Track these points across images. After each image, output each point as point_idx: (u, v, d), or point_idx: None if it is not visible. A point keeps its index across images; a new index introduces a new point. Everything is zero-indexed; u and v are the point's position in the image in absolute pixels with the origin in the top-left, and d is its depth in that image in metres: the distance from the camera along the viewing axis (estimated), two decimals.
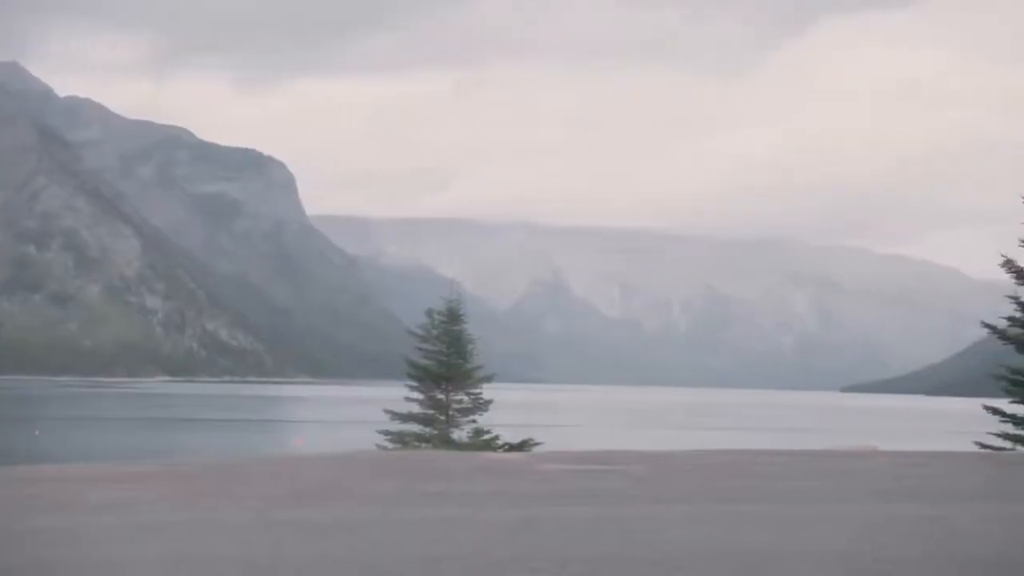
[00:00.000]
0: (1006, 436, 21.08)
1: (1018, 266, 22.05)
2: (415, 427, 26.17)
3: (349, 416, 78.47)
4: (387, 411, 26.78)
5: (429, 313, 28.03)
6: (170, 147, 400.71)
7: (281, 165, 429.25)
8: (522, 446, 24.38)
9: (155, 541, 7.18)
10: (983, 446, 20.65)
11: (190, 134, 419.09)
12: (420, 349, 27.69)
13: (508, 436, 25.47)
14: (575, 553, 6.45)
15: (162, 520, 8.19)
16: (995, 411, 21.88)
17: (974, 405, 23.09)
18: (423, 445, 24.32)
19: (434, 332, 27.48)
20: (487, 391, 27.95)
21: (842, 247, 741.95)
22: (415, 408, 26.84)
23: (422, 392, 27.14)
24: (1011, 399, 21.48)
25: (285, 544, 6.96)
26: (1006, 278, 22.28)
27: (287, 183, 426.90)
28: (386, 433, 25.64)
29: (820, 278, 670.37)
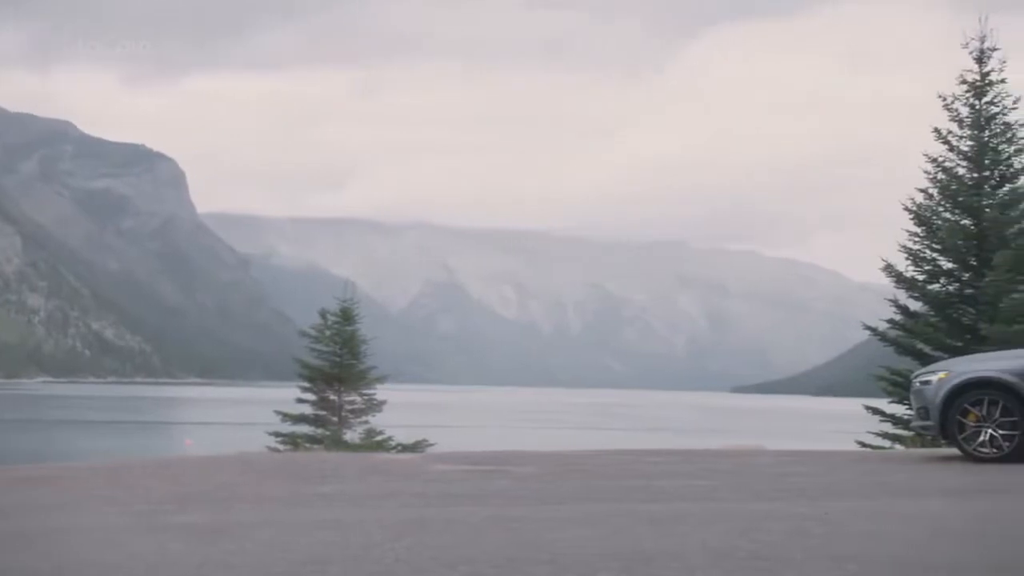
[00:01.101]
0: (885, 435, 21.80)
1: (897, 270, 22.83)
2: (306, 428, 25.97)
3: (239, 417, 77.25)
4: (278, 412, 26.50)
5: (322, 313, 27.87)
6: (54, 141, 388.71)
7: (171, 161, 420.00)
8: (415, 447, 24.36)
9: (32, 549, 6.97)
10: (863, 445, 21.32)
11: (75, 128, 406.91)
12: (312, 350, 27.50)
13: (401, 437, 25.41)
14: (463, 554, 6.46)
15: (41, 526, 7.95)
16: (875, 411, 22.60)
17: (856, 405, 23.79)
18: (314, 446, 24.10)
19: (327, 333, 27.32)
20: (381, 392, 27.89)
21: (731, 251, 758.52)
22: (307, 409, 26.62)
23: (314, 393, 26.95)
24: (890, 399, 22.21)
25: (169, 548, 6.83)
26: (887, 281, 23.06)
27: (177, 180, 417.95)
28: (277, 434, 25.39)
29: (710, 281, 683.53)
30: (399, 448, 24.23)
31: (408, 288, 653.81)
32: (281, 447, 24.31)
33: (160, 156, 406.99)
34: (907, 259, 22.70)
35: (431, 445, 24.83)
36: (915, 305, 22.85)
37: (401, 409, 37.67)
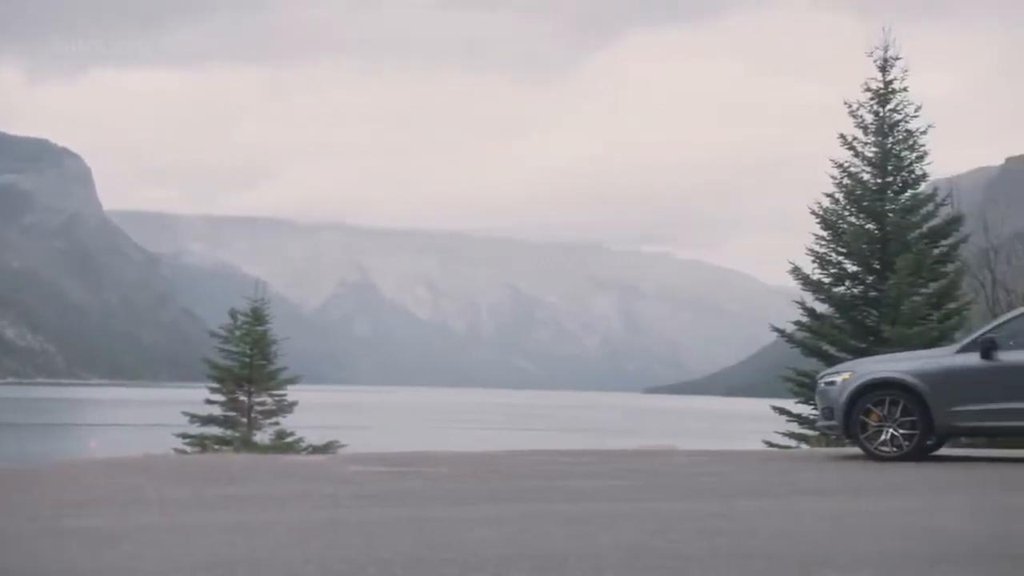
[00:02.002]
0: (792, 435, 22.24)
1: (805, 273, 23.31)
2: (215, 430, 25.58)
3: (146, 419, 75.71)
4: (185, 413, 26.05)
5: (232, 313, 27.48)
6: None
7: (77, 157, 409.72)
8: (326, 448, 24.14)
9: None
10: (771, 444, 21.72)
11: None
12: (222, 350, 27.11)
13: (312, 438, 25.17)
14: (374, 555, 6.40)
15: None
16: (782, 411, 23.05)
17: (764, 405, 24.21)
18: (223, 448, 23.72)
19: (237, 333, 26.95)
20: (292, 392, 27.60)
21: (646, 252, 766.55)
22: (215, 410, 26.23)
23: (223, 394, 26.56)
24: (797, 399, 22.66)
25: (68, 553, 6.64)
26: (795, 284, 23.53)
27: (83, 176, 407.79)
28: (184, 436, 24.96)
29: (624, 282, 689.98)
30: (310, 449, 23.98)
31: (322, 288, 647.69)
32: (188, 449, 23.90)
33: (66, 152, 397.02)
34: (814, 262, 23.21)
35: (343, 446, 24.61)
36: (821, 307, 23.35)
37: (313, 410, 37.30)
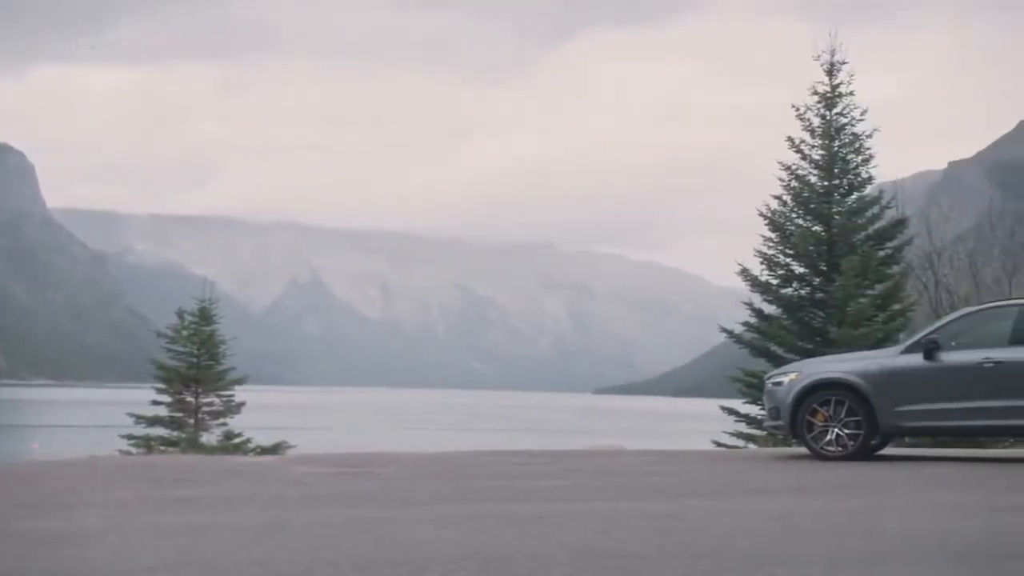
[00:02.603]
0: (740, 435, 22.44)
1: (753, 275, 23.52)
2: (161, 431, 25.30)
3: (91, 420, 74.62)
4: (131, 415, 25.72)
5: (179, 313, 27.19)
6: None
7: (19, 154, 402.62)
8: (275, 449, 23.96)
9: None
10: (719, 444, 21.89)
11: None
12: (169, 350, 26.81)
13: (261, 439, 24.96)
14: (322, 556, 6.37)
15: None
16: (731, 411, 23.24)
17: (713, 406, 24.39)
18: (169, 449, 23.46)
19: (184, 333, 26.66)
20: (240, 393, 27.37)
21: (597, 253, 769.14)
22: (162, 411, 25.94)
23: (170, 395, 26.27)
24: (745, 400, 22.86)
25: (9, 556, 6.54)
26: (743, 286, 23.74)
27: (26, 173, 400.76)
28: (129, 437, 24.65)
29: (576, 283, 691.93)
30: (258, 450, 23.79)
31: (271, 288, 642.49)
32: (134, 450, 23.61)
33: (7, 148, 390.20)
34: (762, 264, 23.44)
35: (292, 447, 24.44)
36: (769, 308, 23.57)
37: (262, 411, 37.03)
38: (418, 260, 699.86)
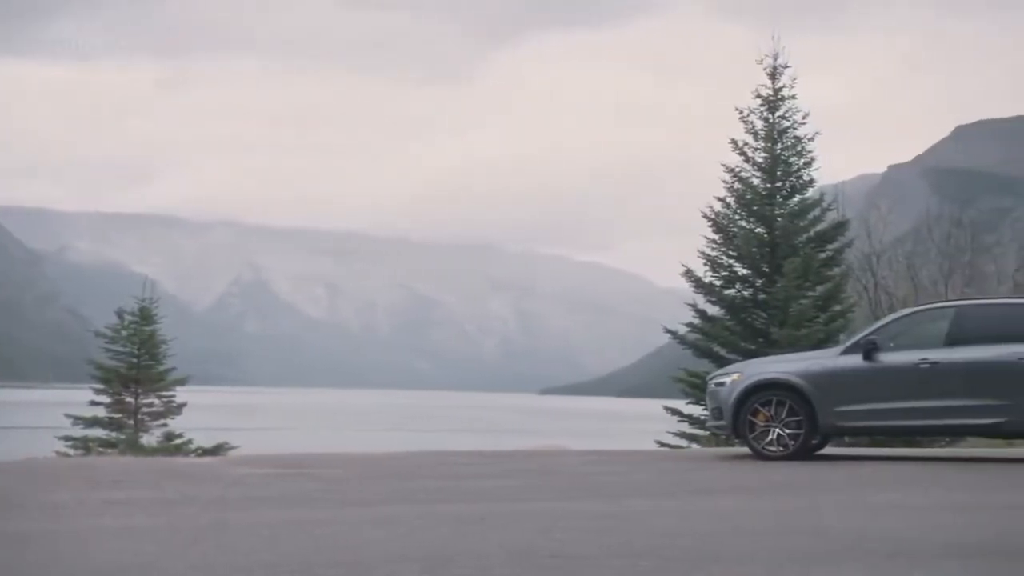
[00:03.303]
0: (683, 435, 22.58)
1: (697, 276, 23.69)
2: (100, 432, 24.91)
3: (28, 421, 73.25)
4: (69, 416, 25.28)
5: (119, 313, 26.80)
6: None
7: None
8: (216, 450, 23.69)
9: None
10: (662, 444, 22.02)
11: None
12: (108, 350, 26.41)
13: (202, 440, 24.67)
14: (261, 559, 6.31)
15: None
16: (674, 411, 23.38)
17: (657, 406, 24.52)
18: (108, 451, 23.09)
19: (124, 332, 26.29)
20: (182, 394, 27.04)
21: (541, 254, 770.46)
22: (100, 412, 25.53)
23: (109, 395, 25.87)
24: (688, 400, 23.01)
25: None
26: (687, 286, 23.89)
27: None
28: (67, 439, 24.23)
29: (520, 284, 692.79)
30: (199, 451, 23.52)
31: (214, 287, 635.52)
32: (72, 452, 23.22)
33: None
34: (705, 265, 23.60)
35: (233, 448, 24.18)
36: (713, 309, 23.75)
37: (203, 411, 36.57)
38: (363, 260, 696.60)
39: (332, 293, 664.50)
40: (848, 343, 13.28)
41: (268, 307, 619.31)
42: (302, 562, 6.22)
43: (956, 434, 15.95)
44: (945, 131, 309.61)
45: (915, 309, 14.16)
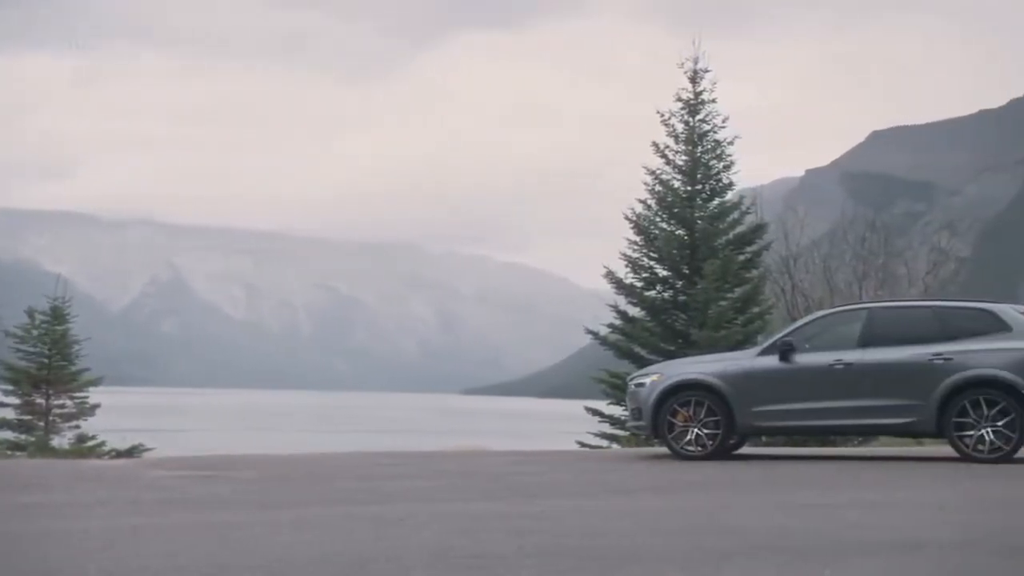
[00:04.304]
0: (603, 435, 22.71)
1: (618, 277, 23.83)
2: (8, 434, 24.25)
3: None
4: None
5: (29, 312, 26.11)
6: None
7: None
8: (130, 452, 23.21)
9: None
10: (583, 445, 22.12)
11: None
12: (18, 350, 25.71)
13: (116, 442, 24.13)
14: (174, 563, 6.19)
15: None
16: (595, 412, 23.49)
17: (578, 407, 24.61)
18: (17, 454, 22.46)
19: (35, 332, 25.62)
20: (96, 395, 26.43)
21: (463, 254, 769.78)
22: (9, 414, 24.85)
23: (18, 397, 25.18)
24: (608, 401, 23.14)
25: None
26: (609, 288, 24.01)
27: None
28: None
29: (442, 284, 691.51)
30: (113, 454, 23.01)
31: (130, 286, 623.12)
32: None
33: None
34: (627, 266, 23.75)
35: (148, 450, 23.72)
36: (634, 311, 23.90)
37: (118, 412, 35.84)
38: (283, 259, 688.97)
39: (251, 293, 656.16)
40: (765, 344, 13.47)
41: (186, 307, 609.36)
42: (217, 566, 6.11)
43: (869, 433, 16.29)
44: (861, 136, 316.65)
45: (829, 311, 14.42)
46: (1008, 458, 11.93)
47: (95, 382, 26.37)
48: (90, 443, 24.06)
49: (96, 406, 25.70)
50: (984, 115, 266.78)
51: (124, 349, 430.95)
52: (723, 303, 22.78)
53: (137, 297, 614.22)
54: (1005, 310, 12.71)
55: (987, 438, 11.95)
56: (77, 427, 25.20)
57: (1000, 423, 11.94)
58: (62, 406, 25.37)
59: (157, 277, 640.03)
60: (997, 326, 12.41)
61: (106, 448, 23.80)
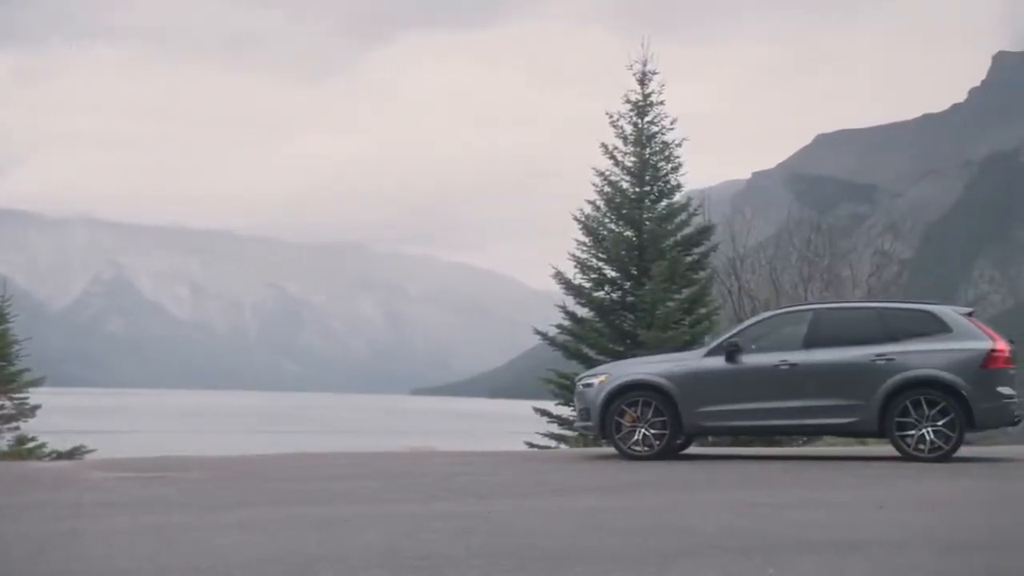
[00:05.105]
0: (551, 435, 22.75)
1: (567, 278, 23.89)
2: None
3: None
4: None
5: None
6: None
7: None
8: (71, 454, 22.88)
9: None
10: (531, 445, 22.15)
11: None
12: None
13: (57, 443, 23.78)
14: (115, 565, 6.10)
15: None
16: (543, 412, 23.53)
17: (527, 407, 24.64)
18: None
19: None
20: (37, 395, 26.04)
21: (412, 254, 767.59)
22: None
23: None
24: (557, 401, 23.18)
25: None
26: (558, 288, 24.05)
27: None
28: None
29: (390, 284, 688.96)
30: (53, 455, 22.67)
31: (72, 285, 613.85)
32: None
33: None
34: (576, 267, 23.81)
35: (90, 451, 23.41)
36: (583, 311, 23.96)
37: (59, 413, 35.35)
38: (229, 259, 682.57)
39: (197, 293, 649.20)
40: (712, 345, 13.54)
41: (130, 307, 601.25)
42: (159, 568, 6.04)
43: (813, 433, 16.47)
44: (807, 139, 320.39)
45: (775, 312, 14.55)
46: (947, 457, 12.12)
47: (36, 383, 26.01)
48: (30, 445, 23.69)
49: (36, 407, 25.34)
50: (927, 119, 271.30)
51: (66, 349, 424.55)
52: (671, 304, 22.91)
53: (79, 296, 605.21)
54: (945, 311, 12.92)
55: (928, 438, 12.13)
56: (17, 428, 24.82)
57: (940, 423, 12.13)
58: (1, 407, 24.96)
59: (100, 276, 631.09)
60: (938, 327, 12.60)
61: (47, 450, 23.47)
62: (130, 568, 6.02)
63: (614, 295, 23.95)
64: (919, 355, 12.37)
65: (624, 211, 23.86)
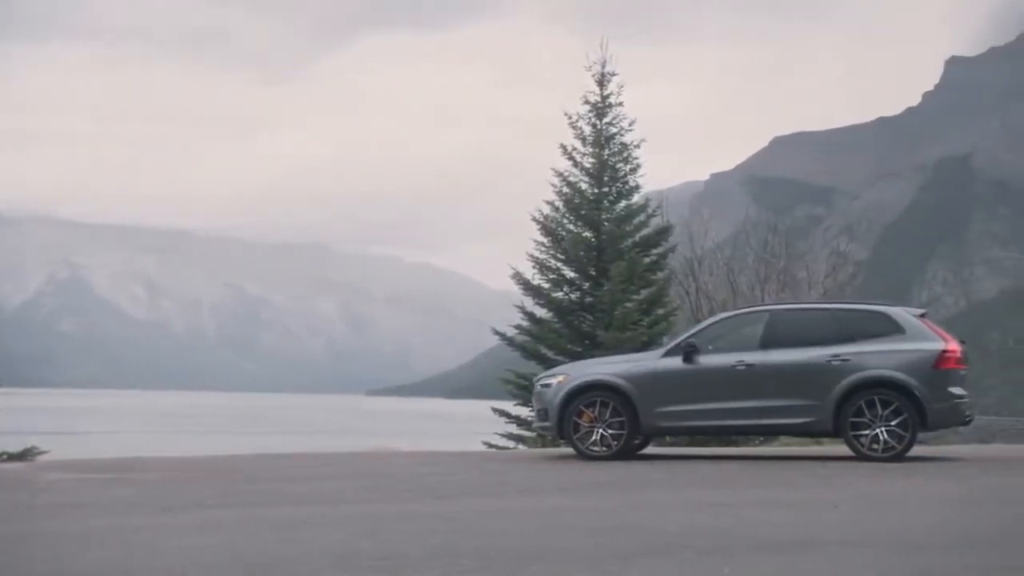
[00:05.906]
0: (510, 436, 22.79)
1: (525, 278, 23.94)
2: None
3: None
4: None
5: None
6: None
7: None
8: (24, 455, 22.54)
9: None
10: (490, 445, 22.16)
11: None
12: None
13: (9, 444, 23.42)
14: (68, 567, 6.04)
15: None
16: (502, 412, 23.57)
17: (486, 407, 24.66)
18: None
19: None
20: None
21: (373, 255, 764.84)
22: None
23: None
24: (515, 401, 23.21)
25: None
26: (517, 289, 24.08)
27: None
28: None
29: (350, 284, 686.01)
30: (4, 457, 22.33)
31: (26, 284, 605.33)
32: None
33: None
34: (535, 268, 23.86)
35: (43, 453, 23.05)
36: (541, 312, 24.01)
37: (12, 414, 34.89)
38: (188, 258, 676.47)
39: (154, 292, 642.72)
40: (669, 346, 13.61)
41: (85, 306, 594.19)
42: (112, 571, 5.99)
43: (770, 433, 16.60)
44: (764, 142, 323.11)
45: (732, 313, 14.65)
46: (900, 457, 12.28)
47: None
48: None
49: None
50: (882, 123, 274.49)
51: (20, 349, 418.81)
52: (629, 305, 23.02)
53: (33, 296, 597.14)
54: (899, 313, 13.09)
55: (881, 437, 12.28)
56: None
57: (894, 423, 12.28)
58: None
59: (55, 275, 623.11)
60: (892, 328, 12.76)
61: None
62: (84, 570, 5.97)
63: (573, 296, 24.02)
64: (873, 356, 12.52)
65: (583, 212, 23.94)
